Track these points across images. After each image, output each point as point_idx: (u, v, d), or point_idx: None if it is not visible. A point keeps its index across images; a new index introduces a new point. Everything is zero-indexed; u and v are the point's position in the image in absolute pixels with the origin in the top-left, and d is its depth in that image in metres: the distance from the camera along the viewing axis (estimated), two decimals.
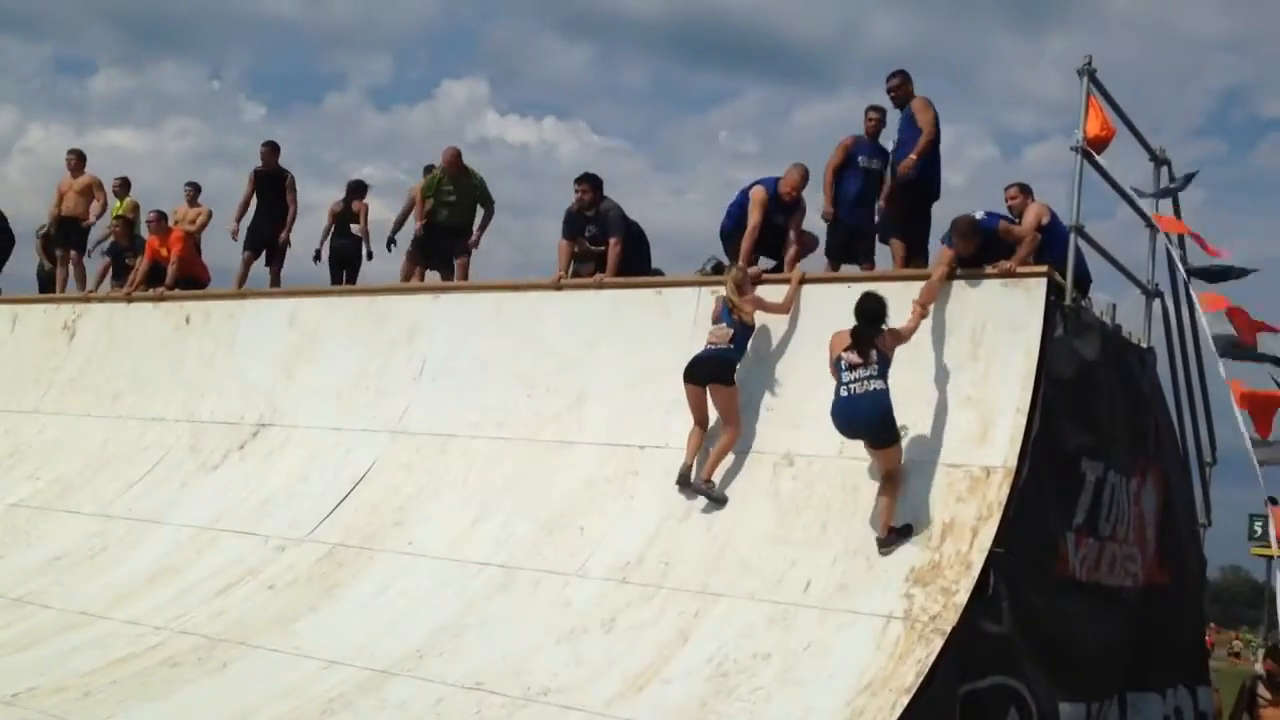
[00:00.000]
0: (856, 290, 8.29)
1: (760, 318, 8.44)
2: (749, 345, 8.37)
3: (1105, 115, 8.39)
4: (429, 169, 11.88)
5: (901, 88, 9.23)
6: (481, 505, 8.74)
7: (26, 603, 9.10)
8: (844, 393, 7.37)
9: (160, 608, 8.64)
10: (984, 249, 8.00)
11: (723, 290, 8.46)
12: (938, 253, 8.28)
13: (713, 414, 8.23)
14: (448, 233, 11.33)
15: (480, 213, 11.44)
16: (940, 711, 6.28)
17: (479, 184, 11.41)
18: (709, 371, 8.18)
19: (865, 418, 7.31)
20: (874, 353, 7.32)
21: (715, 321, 8.40)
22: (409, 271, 11.48)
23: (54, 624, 8.68)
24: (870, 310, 7.46)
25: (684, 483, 8.02)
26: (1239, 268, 8.91)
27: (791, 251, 9.32)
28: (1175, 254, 9.13)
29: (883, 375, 7.30)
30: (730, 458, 8.11)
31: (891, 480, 7.28)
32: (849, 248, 9.54)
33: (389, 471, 9.46)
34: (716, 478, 8.01)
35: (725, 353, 8.20)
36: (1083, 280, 8.30)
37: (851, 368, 7.35)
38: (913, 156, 8.89)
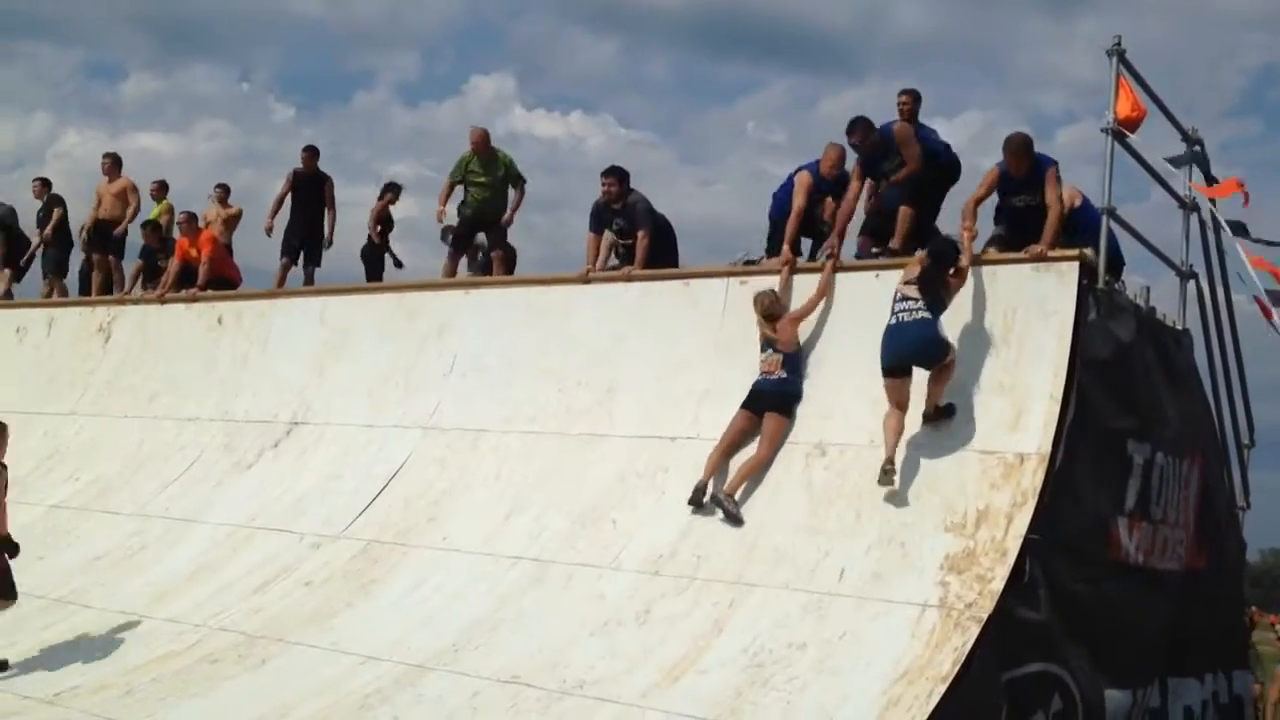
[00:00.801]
0: (885, 278, 8.29)
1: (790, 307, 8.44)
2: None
3: (1136, 96, 8.28)
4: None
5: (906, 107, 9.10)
6: (514, 500, 8.76)
7: (68, 603, 9.21)
8: (892, 321, 7.57)
9: (199, 605, 8.73)
10: (1030, 181, 8.05)
11: (756, 281, 8.43)
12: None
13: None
14: (477, 224, 11.36)
15: (512, 195, 11.38)
16: (979, 699, 6.24)
17: (508, 163, 11.31)
18: (773, 403, 8.14)
19: (910, 340, 7.46)
20: (930, 290, 7.50)
21: (763, 350, 8.32)
22: (450, 269, 11.49)
23: (96, 623, 8.78)
24: (938, 252, 7.70)
25: (697, 502, 7.96)
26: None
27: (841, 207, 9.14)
28: (1218, 218, 8.96)
29: (933, 311, 7.45)
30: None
31: (943, 372, 7.46)
32: (888, 228, 9.47)
33: (422, 467, 9.50)
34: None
35: (788, 385, 8.15)
36: (1115, 263, 8.22)
37: (905, 299, 7.55)
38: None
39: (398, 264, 12.88)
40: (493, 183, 11.27)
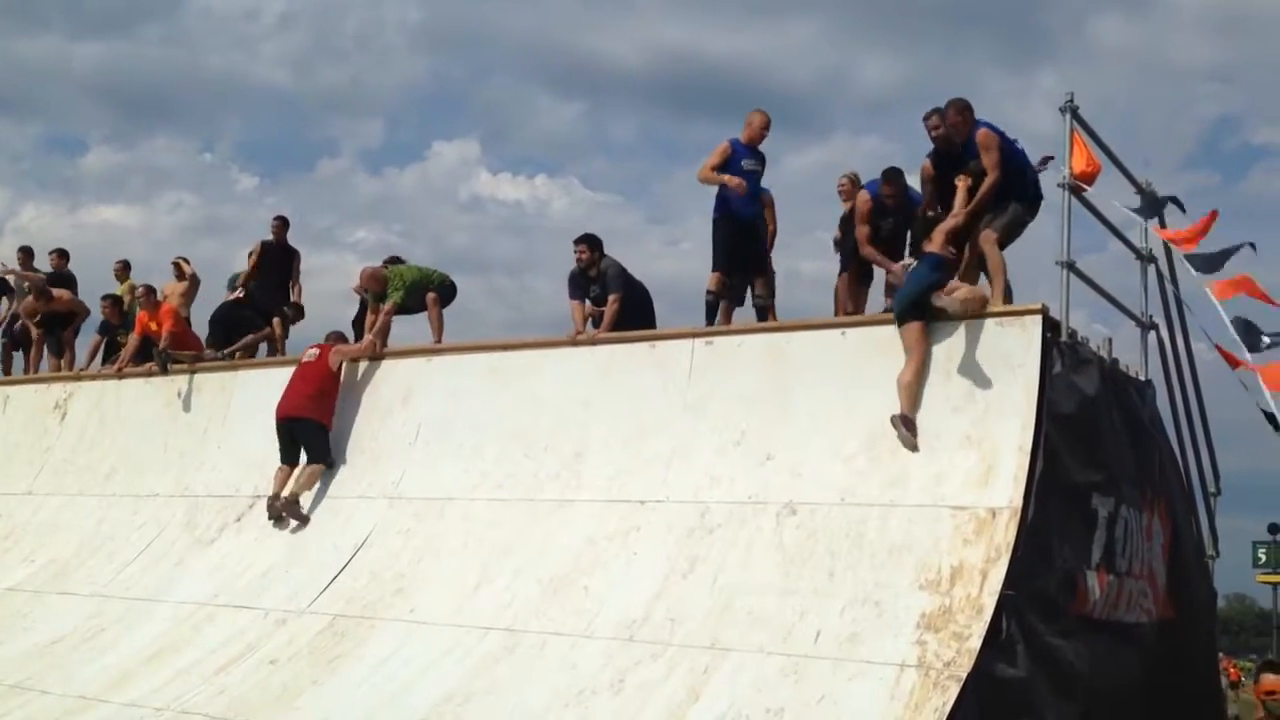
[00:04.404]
0: (851, 336, 8.34)
1: (757, 368, 8.49)
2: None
3: (1090, 151, 8.41)
4: (393, 260, 11.83)
5: (943, 126, 8.66)
6: (483, 568, 8.62)
7: (24, 689, 8.93)
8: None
9: (160, 688, 8.48)
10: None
11: None
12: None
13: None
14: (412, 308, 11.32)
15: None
16: None
17: (402, 286, 11.00)
18: None
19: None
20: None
21: None
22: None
23: (53, 710, 8.51)
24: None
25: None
26: (1232, 248, 8.78)
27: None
28: (1175, 268, 9.02)
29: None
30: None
31: (910, 360, 7.76)
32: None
33: (387, 538, 9.35)
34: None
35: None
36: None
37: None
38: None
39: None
40: (400, 299, 11.04)
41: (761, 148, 9.80)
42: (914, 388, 7.72)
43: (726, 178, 9.46)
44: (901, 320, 7.97)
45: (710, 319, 9.59)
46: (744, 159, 9.62)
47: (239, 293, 12.86)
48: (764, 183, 9.91)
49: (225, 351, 12.39)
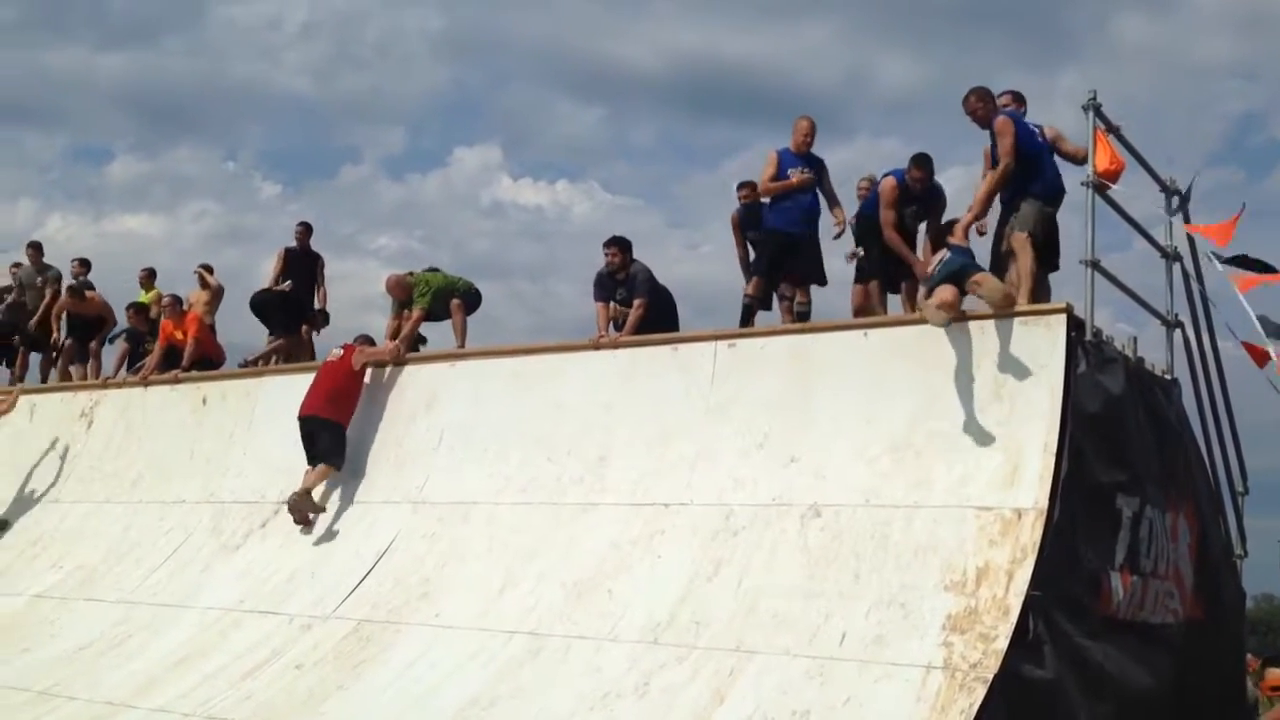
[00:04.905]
0: (873, 337, 8.31)
1: (780, 371, 8.46)
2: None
3: (1113, 149, 8.36)
4: (431, 270, 11.88)
5: (979, 108, 8.79)
6: (507, 572, 8.63)
7: (52, 695, 8.99)
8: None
9: (187, 694, 8.52)
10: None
11: None
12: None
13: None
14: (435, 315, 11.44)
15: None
16: None
17: (428, 292, 11.12)
18: None
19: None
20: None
21: None
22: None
23: (81, 715, 8.57)
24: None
25: None
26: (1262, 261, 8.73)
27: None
28: (1199, 263, 8.95)
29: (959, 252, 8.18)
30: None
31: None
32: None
33: (412, 543, 9.38)
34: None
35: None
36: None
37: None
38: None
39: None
40: (426, 305, 11.16)
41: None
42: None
43: (788, 182, 9.78)
44: (935, 286, 7.98)
45: (745, 323, 9.62)
46: (791, 166, 9.80)
47: (287, 284, 12.96)
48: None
49: (248, 359, 12.47)
